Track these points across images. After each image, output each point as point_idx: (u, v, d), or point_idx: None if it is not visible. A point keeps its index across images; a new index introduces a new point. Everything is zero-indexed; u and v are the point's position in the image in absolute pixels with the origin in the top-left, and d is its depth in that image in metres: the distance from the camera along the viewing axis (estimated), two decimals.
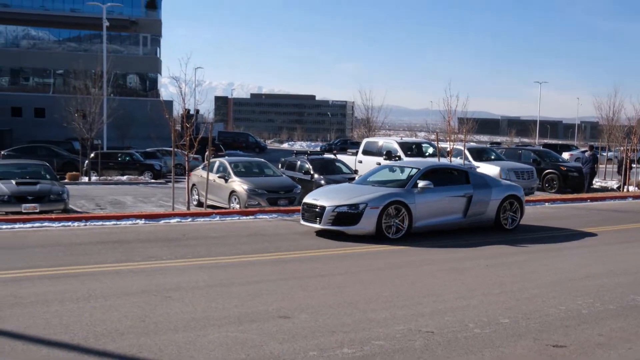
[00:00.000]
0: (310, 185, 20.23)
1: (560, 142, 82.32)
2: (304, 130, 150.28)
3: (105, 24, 39.93)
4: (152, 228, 12.79)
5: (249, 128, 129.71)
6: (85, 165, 30.53)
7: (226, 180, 17.19)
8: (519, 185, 14.46)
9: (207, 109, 46.12)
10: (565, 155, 37.20)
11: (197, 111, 38.85)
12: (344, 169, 21.47)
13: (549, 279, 8.46)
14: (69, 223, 12.87)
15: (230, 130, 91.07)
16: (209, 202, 16.63)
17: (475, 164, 21.93)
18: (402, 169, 13.20)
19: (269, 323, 6.20)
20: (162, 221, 13.62)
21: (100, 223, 13.12)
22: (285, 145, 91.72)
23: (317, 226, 11.50)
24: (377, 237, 11.10)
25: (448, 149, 21.38)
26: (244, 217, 14.32)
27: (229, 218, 14.30)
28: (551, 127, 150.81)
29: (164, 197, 20.85)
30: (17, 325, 5.93)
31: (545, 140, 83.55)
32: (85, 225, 12.82)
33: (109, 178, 29.65)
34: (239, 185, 16.74)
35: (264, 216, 14.34)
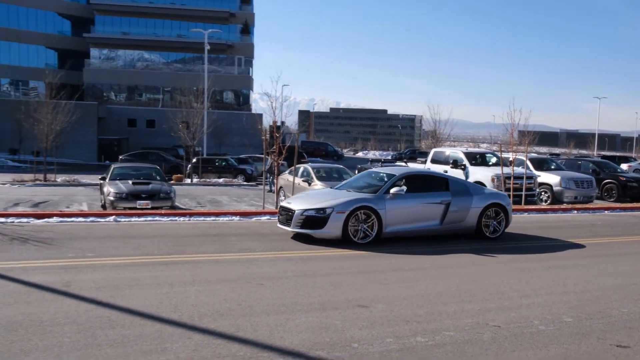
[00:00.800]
0: None
1: (618, 154, 78.14)
2: (376, 140, 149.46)
3: (207, 47, 41.18)
4: (245, 224, 13.03)
5: (328, 138, 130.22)
6: (188, 168, 31.60)
7: (309, 184, 17.30)
8: (505, 193, 12.94)
9: (292, 121, 46.83)
10: (624, 166, 35.24)
11: (283, 123, 39.42)
12: None
13: (611, 283, 8.01)
14: (176, 218, 13.30)
15: (311, 140, 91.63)
16: None
17: (537, 173, 21.16)
18: (381, 175, 11.95)
19: (349, 311, 6.18)
20: (254, 218, 13.87)
21: (201, 219, 13.49)
22: (359, 154, 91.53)
23: (289, 229, 10.75)
24: (344, 241, 10.20)
25: (510, 159, 20.72)
26: None
27: None
28: (609, 140, 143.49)
29: (255, 198, 21.23)
30: (136, 304, 6.17)
31: (604, 152, 79.60)
32: (189, 220, 13.21)
33: (208, 180, 30.49)
34: (320, 187, 16.82)
35: None
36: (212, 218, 13.58)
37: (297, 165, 18.29)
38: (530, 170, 20.90)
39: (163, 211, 14.24)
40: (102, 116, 51.48)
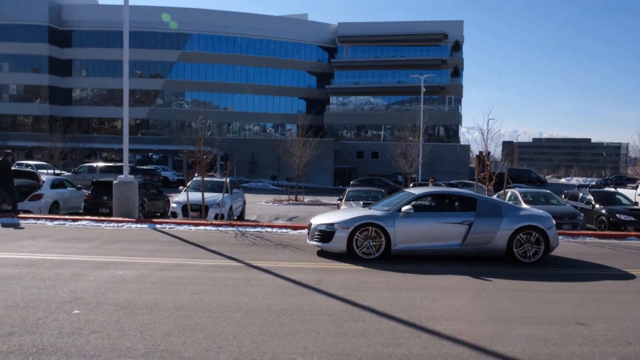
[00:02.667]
0: (590, 214, 17.96)
1: None
2: (579, 167, 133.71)
3: (423, 90, 41.43)
4: None
5: (530, 166, 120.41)
6: None
7: None
8: (547, 215, 9.84)
9: (497, 152, 44.49)
10: None
11: (489, 153, 37.63)
12: (624, 201, 18.49)
13: None
14: None
15: (515, 168, 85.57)
16: None
17: None
18: (408, 194, 10.24)
19: (567, 327, 5.52)
20: None
21: None
22: (562, 180, 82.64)
23: (309, 242, 9.94)
24: (349, 256, 9.21)
25: None
26: None
27: None
28: None
29: None
30: (371, 303, 6.28)
31: None
32: None
33: None
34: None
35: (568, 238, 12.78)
36: None
37: (506, 190, 17.21)
38: None
39: None
40: (337, 149, 54.96)
